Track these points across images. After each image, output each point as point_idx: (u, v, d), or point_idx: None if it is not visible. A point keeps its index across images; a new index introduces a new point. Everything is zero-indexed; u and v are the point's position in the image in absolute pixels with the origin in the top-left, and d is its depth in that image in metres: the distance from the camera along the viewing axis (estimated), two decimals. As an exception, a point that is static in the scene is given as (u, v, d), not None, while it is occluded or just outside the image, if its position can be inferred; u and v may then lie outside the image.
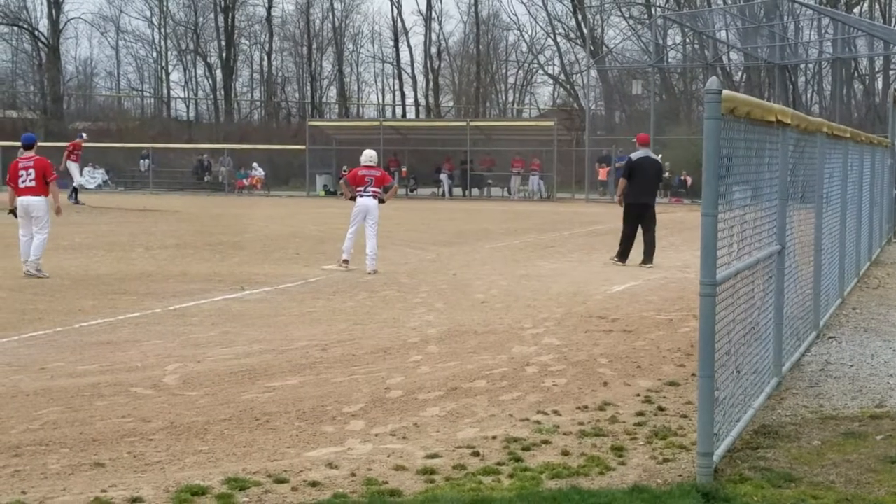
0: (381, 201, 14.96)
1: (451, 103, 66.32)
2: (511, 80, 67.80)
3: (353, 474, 5.45)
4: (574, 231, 23.57)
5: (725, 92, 5.23)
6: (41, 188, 13.74)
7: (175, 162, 48.30)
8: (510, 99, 68.26)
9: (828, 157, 9.80)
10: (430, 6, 64.81)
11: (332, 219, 27.36)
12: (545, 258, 17.08)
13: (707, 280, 5.19)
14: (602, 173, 41.10)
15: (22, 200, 13.78)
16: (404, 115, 64.84)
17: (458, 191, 42.89)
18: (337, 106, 67.11)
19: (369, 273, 14.31)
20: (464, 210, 31.88)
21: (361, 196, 14.68)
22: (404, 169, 43.91)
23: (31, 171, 13.70)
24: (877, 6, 52.80)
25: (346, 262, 14.77)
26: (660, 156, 19.83)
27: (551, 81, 67.15)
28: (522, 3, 73.26)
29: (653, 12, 53.92)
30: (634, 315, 10.90)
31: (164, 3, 65.28)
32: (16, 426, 6.31)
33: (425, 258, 16.82)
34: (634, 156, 16.01)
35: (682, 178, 39.80)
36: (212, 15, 64.72)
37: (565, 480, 5.36)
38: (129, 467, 5.54)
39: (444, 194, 42.57)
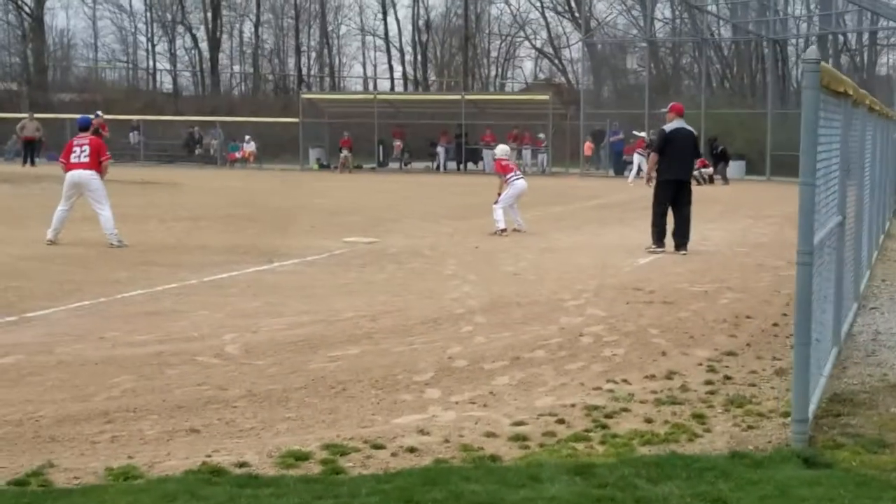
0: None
1: (433, 77, 66.01)
2: (493, 53, 67.54)
3: (447, 440, 5.50)
4: (577, 205, 23.63)
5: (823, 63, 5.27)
6: (94, 164, 14.10)
7: (164, 134, 47.98)
8: (493, 73, 68.03)
9: (855, 129, 9.83)
10: (417, -22, 64.39)
11: (333, 192, 27.35)
12: (560, 231, 17.16)
13: (805, 249, 5.26)
14: (587, 148, 40.95)
15: (73, 175, 14.08)
16: (392, 88, 64.59)
17: (451, 164, 42.78)
18: (322, 79, 66.74)
19: (520, 231, 16.59)
20: (462, 184, 31.85)
21: (518, 179, 16.80)
22: (397, 143, 43.79)
23: (86, 147, 14.13)
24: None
25: (503, 230, 16.21)
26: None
27: (533, 55, 66.99)
28: (509, -25, 72.94)
29: (643, -14, 53.81)
30: (669, 287, 10.98)
31: (149, -26, 64.54)
32: (96, 393, 6.32)
33: (441, 231, 16.85)
34: (668, 128, 14.26)
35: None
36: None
37: (658, 447, 5.42)
38: (224, 433, 5.57)
39: (438, 167, 42.51)
